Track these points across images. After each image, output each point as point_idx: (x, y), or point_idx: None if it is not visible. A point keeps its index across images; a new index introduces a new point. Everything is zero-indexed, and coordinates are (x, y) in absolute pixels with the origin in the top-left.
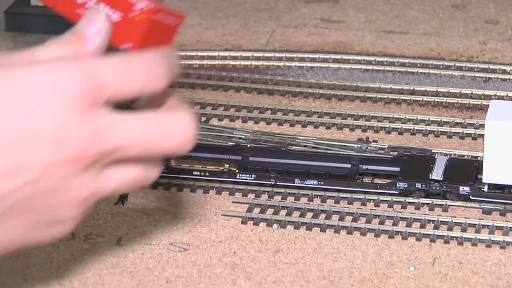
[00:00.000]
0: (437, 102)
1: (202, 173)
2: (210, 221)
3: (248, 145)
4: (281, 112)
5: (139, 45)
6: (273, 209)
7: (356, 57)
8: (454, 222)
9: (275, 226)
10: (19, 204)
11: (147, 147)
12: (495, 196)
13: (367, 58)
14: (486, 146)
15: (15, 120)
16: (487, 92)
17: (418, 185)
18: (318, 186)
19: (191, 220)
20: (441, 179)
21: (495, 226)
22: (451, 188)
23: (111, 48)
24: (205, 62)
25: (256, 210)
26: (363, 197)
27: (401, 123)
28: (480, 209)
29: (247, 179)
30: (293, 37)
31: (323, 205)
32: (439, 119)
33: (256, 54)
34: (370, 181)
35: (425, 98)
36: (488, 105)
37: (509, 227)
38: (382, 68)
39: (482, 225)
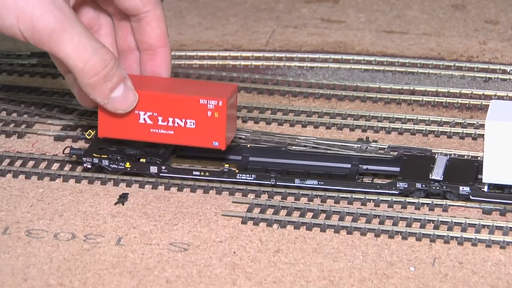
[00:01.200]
0: (437, 102)
1: (202, 173)
2: (210, 221)
3: (248, 145)
4: (281, 112)
5: (225, 138)
6: (273, 209)
7: (356, 57)
8: (454, 222)
9: (275, 226)
10: None
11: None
12: (495, 196)
13: (367, 58)
14: (486, 146)
15: None
16: (487, 92)
17: (418, 185)
18: (318, 186)
19: (191, 220)
20: (441, 179)
21: (495, 226)
22: (451, 188)
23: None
24: (205, 62)
25: (256, 210)
26: (363, 197)
27: (401, 123)
28: (480, 209)
29: (247, 179)
30: (293, 37)
31: (323, 205)
32: (439, 119)
33: (256, 54)
34: (370, 181)
35: (425, 98)
36: (488, 105)
37: (509, 227)
38: (382, 68)
39: (482, 225)
